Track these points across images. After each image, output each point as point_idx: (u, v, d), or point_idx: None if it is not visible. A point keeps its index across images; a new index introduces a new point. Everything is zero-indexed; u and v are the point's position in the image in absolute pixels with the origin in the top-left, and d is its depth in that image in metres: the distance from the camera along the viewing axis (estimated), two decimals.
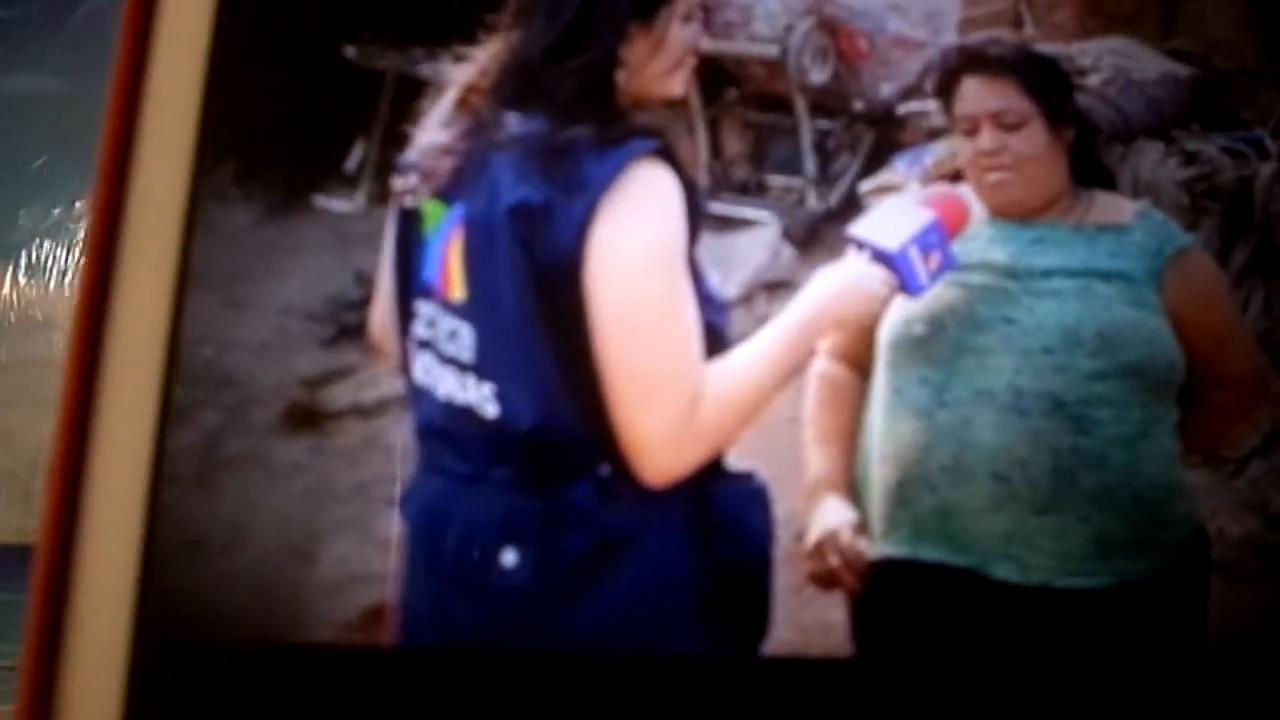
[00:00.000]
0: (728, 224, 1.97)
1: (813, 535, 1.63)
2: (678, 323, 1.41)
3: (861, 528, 1.63)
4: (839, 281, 1.57)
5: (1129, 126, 1.95)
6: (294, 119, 1.68)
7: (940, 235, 1.60)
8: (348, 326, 1.66)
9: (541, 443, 1.41)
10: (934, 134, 1.96)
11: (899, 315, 1.64)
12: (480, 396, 1.43)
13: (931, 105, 1.96)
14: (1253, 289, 1.79)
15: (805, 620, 1.56)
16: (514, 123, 1.44)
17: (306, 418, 1.64)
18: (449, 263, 1.45)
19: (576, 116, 1.42)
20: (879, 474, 1.64)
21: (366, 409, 1.70)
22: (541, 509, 1.41)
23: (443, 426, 1.46)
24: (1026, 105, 1.66)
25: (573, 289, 1.39)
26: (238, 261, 1.60)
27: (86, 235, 1.52)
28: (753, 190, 2.11)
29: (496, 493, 1.42)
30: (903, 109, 2.10)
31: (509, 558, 1.41)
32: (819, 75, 2.10)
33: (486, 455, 1.43)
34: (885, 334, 1.66)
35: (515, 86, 1.45)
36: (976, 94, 1.68)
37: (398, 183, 1.51)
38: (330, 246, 1.72)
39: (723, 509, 1.46)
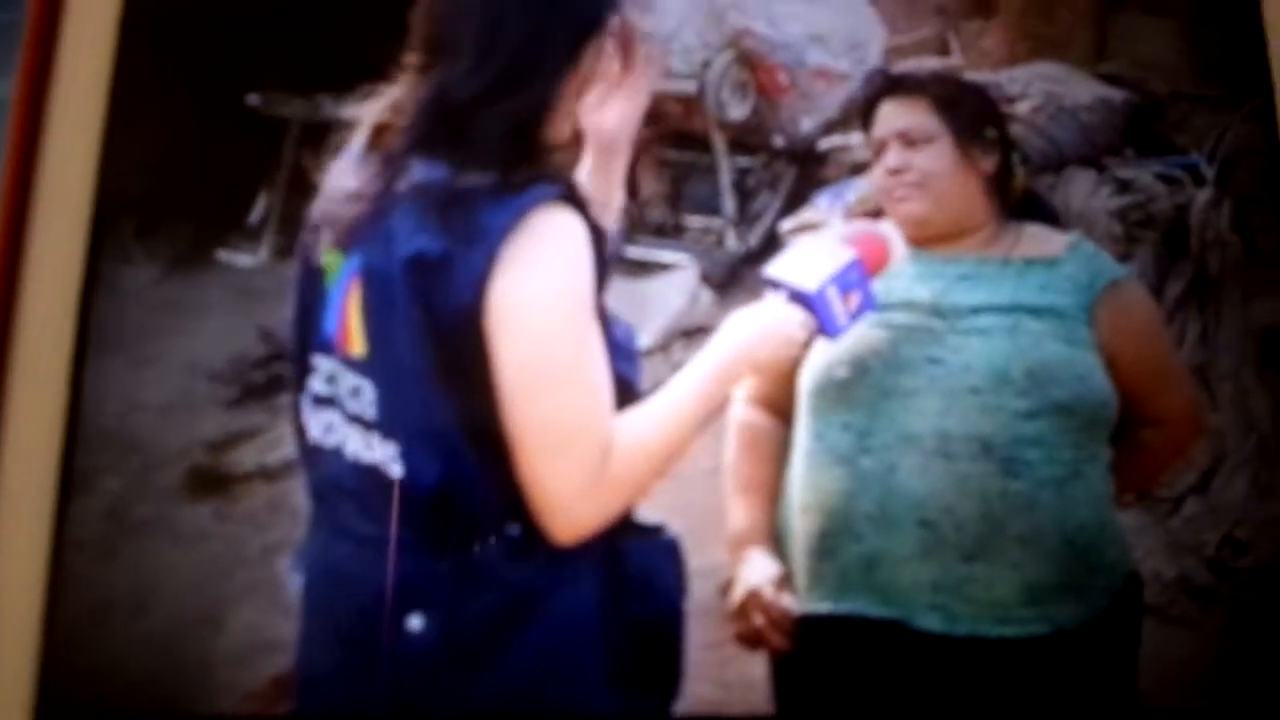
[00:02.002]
0: (643, 268, 1.99)
1: (736, 594, 1.64)
2: (585, 374, 1.42)
3: (786, 582, 1.64)
4: (755, 325, 1.57)
5: (1061, 155, 1.98)
6: (196, 171, 1.71)
7: (860, 274, 1.61)
8: (252, 386, 1.69)
9: (447, 503, 1.42)
10: (857, 169, 2.00)
11: (820, 359, 1.66)
12: (385, 455, 1.43)
13: (854, 139, 2.03)
14: (1188, 320, 1.83)
15: (726, 677, 1.58)
16: (416, 169, 1.44)
17: (211, 481, 1.66)
18: (348, 316, 1.45)
19: (495, 159, 1.42)
20: (801, 524, 1.66)
21: (272, 471, 1.71)
22: (448, 571, 1.43)
23: (350, 486, 1.46)
24: (934, 123, 1.70)
25: (474, 342, 1.39)
26: (140, 320, 1.63)
27: None
28: (670, 232, 2.13)
29: (401, 555, 1.43)
30: (824, 144, 2.12)
31: (414, 622, 1.42)
32: (737, 111, 2.12)
33: (390, 516, 1.44)
34: (806, 378, 1.68)
35: (430, 128, 1.45)
36: (889, 116, 1.72)
37: (307, 235, 1.51)
38: (234, 303, 1.74)
39: (633, 565, 1.48)
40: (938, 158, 1.70)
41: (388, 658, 1.43)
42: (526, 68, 1.44)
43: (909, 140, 1.70)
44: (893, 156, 1.71)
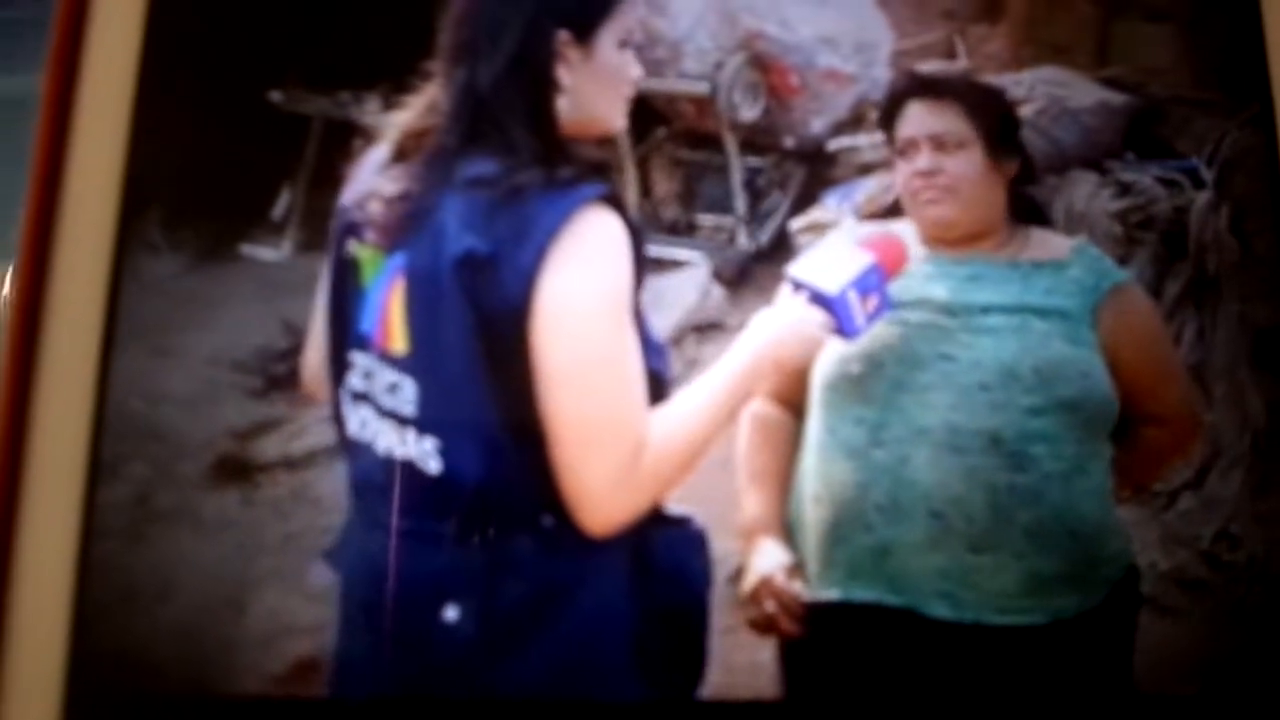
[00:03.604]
0: (658, 265, 2.00)
1: (749, 581, 1.68)
2: (623, 373, 1.46)
3: (797, 569, 1.68)
4: (778, 325, 1.62)
5: (1063, 157, 2.02)
6: (220, 165, 1.73)
7: (879, 278, 1.66)
8: (276, 377, 1.71)
9: (485, 496, 1.46)
10: (865, 169, 2.04)
11: (834, 355, 1.70)
12: (422, 451, 1.46)
13: (862, 140, 2.08)
14: (1185, 320, 1.87)
15: (735, 662, 1.61)
16: (463, 167, 1.47)
17: (236, 470, 1.69)
18: (389, 314, 1.48)
19: (526, 150, 1.46)
20: (813, 514, 1.70)
21: (295, 460, 1.74)
22: (484, 563, 1.46)
23: (382, 481, 1.49)
24: (967, 130, 1.74)
25: (520, 339, 1.43)
26: (165, 312, 1.65)
27: (13, 287, 1.57)
28: (682, 230, 2.17)
29: (438, 548, 1.46)
30: (833, 144, 2.14)
31: (450, 613, 1.45)
32: (749, 112, 2.15)
33: (427, 510, 1.47)
34: (820, 373, 1.72)
35: (465, 127, 1.48)
36: (919, 117, 1.75)
37: (336, 230, 1.54)
38: (257, 296, 1.76)
39: (662, 555, 1.51)
40: (969, 163, 1.74)
41: (423, 647, 1.46)
42: (529, 49, 1.48)
43: (941, 144, 1.74)
44: (924, 159, 1.74)
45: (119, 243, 1.59)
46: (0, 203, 1.70)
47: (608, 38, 1.53)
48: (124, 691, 1.52)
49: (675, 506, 1.53)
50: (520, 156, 1.46)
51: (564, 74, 1.50)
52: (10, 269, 1.57)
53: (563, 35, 1.50)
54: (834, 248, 1.74)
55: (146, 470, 1.61)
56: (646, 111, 2.14)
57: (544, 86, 1.49)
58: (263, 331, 1.72)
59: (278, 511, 1.68)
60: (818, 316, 1.64)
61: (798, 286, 1.66)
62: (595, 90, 1.53)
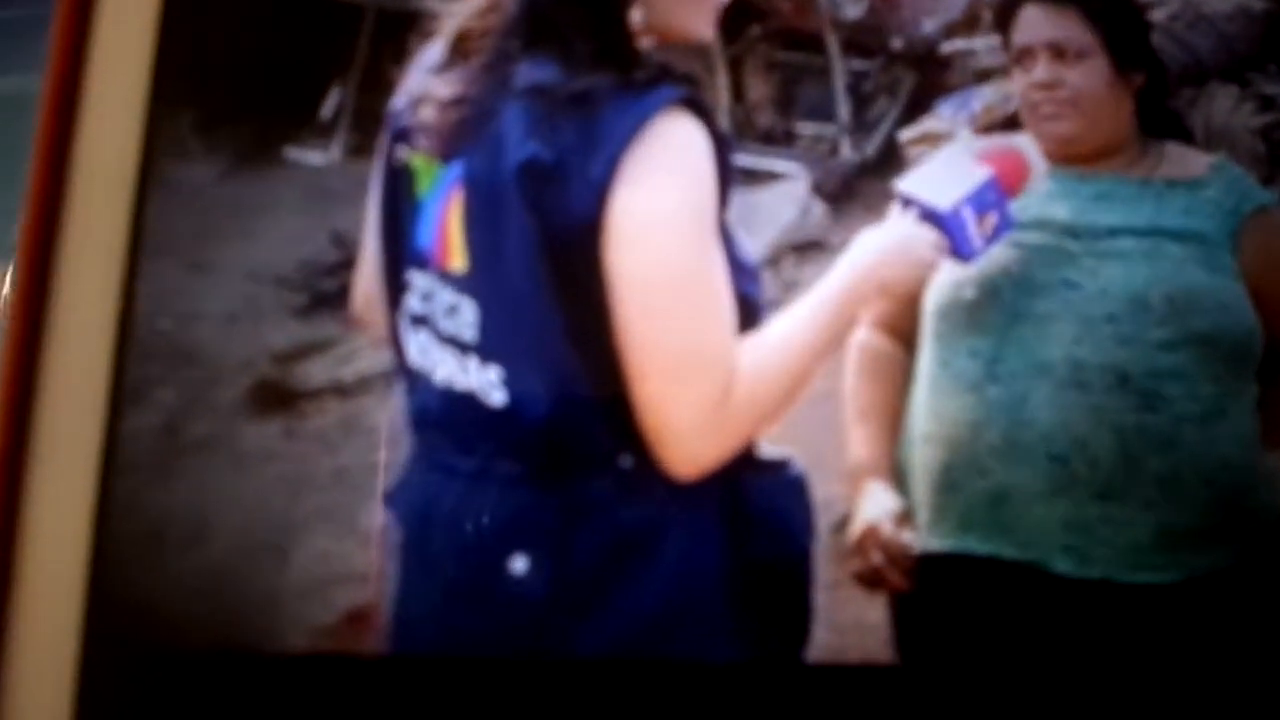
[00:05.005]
0: (752, 177, 1.92)
1: (854, 529, 1.59)
2: (709, 296, 1.36)
3: (906, 517, 1.59)
4: (884, 244, 1.53)
5: (1200, 67, 1.90)
6: (261, 60, 1.63)
7: (997, 194, 1.57)
8: (324, 294, 1.63)
9: (555, 433, 1.36)
10: (983, 76, 1.94)
11: (947, 279, 1.61)
12: (484, 381, 1.37)
13: (979, 44, 1.96)
14: None
15: (841, 620, 1.52)
16: (525, 71, 1.38)
17: (278, 397, 1.62)
18: (448, 228, 1.39)
19: (592, 59, 1.37)
20: (924, 456, 1.61)
21: (346, 387, 1.67)
22: (555, 508, 1.37)
23: (440, 415, 1.41)
24: (1089, 37, 1.62)
25: (591, 258, 1.34)
26: (199, 222, 1.56)
27: (27, 192, 1.46)
28: (779, 139, 2.07)
29: (503, 490, 1.37)
30: (947, 47, 2.04)
31: (519, 565, 1.36)
32: (853, 9, 2.05)
33: (491, 448, 1.38)
34: (932, 300, 1.62)
35: (526, 29, 1.39)
36: (1036, 22, 1.64)
37: (388, 136, 1.46)
38: (304, 204, 1.69)
39: (757, 502, 1.41)
40: (1092, 74, 1.63)
41: (488, 602, 1.37)
42: None
43: (1060, 53, 1.63)
44: (1042, 69, 1.63)
45: (146, 145, 1.49)
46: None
47: None
48: (148, 648, 1.41)
49: (771, 447, 1.43)
50: (585, 64, 1.37)
51: None
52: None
53: None
54: (948, 161, 1.65)
55: (176, 397, 1.53)
56: (739, 6, 2.04)
57: None
58: (309, 243, 1.63)
59: (326, 444, 1.61)
60: (929, 235, 1.55)
61: (907, 203, 1.57)
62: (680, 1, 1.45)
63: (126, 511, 1.43)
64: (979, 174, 1.58)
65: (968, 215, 1.56)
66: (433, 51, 1.46)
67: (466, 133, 1.39)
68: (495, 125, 1.37)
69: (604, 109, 1.35)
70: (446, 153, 1.40)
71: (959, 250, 1.56)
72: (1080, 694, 1.43)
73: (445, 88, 1.41)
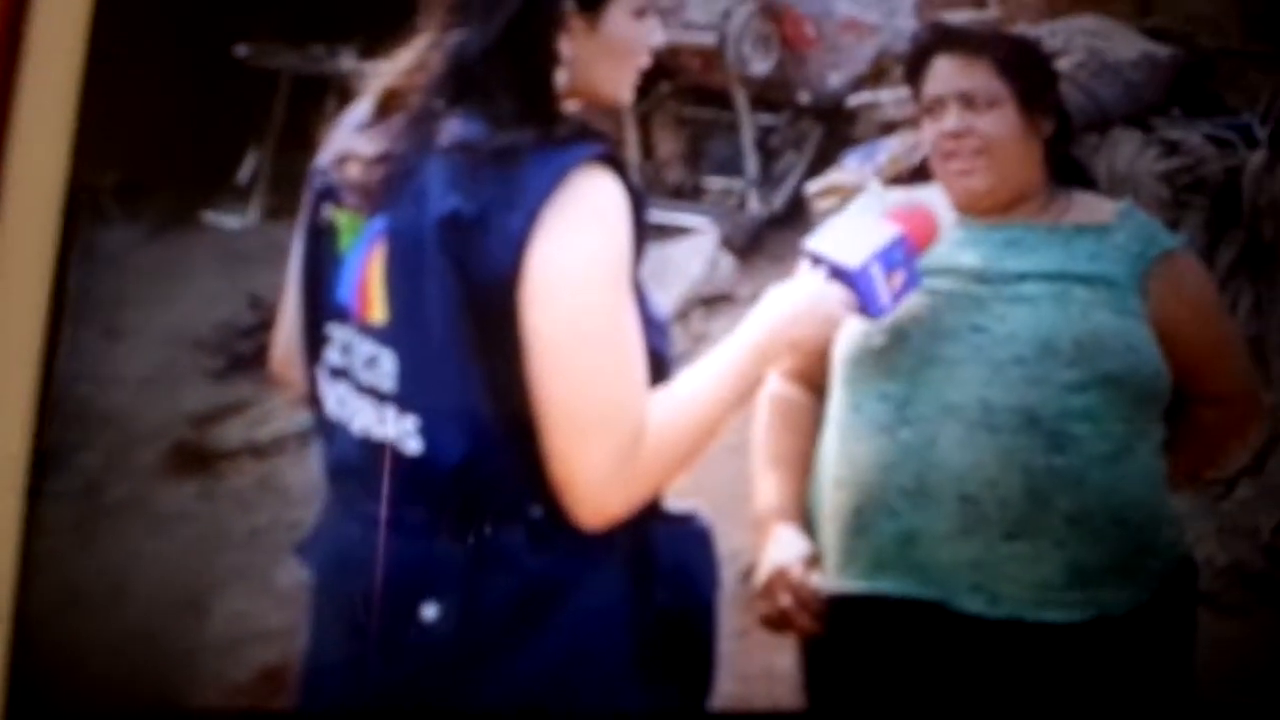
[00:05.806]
0: (661, 232, 1.92)
1: (761, 573, 1.58)
2: (621, 351, 1.35)
3: (816, 561, 1.58)
4: (795, 302, 1.51)
5: (1104, 114, 1.92)
6: (181, 126, 1.64)
7: (905, 252, 1.55)
8: (240, 356, 1.62)
9: (468, 481, 1.35)
10: (888, 128, 1.93)
11: (857, 327, 1.60)
12: (401, 430, 1.36)
13: (885, 96, 1.97)
14: (1240, 289, 1.77)
15: (748, 668, 1.53)
16: (450, 127, 1.37)
17: (195, 459, 1.61)
18: (368, 281, 1.38)
19: (517, 117, 1.36)
20: (834, 500, 1.59)
21: (261, 447, 1.66)
22: (466, 556, 1.35)
23: (357, 464, 1.40)
24: (999, 87, 1.63)
25: (508, 310, 1.33)
26: (119, 287, 1.55)
27: None
28: (688, 194, 2.08)
29: (415, 538, 1.36)
30: (853, 100, 2.05)
31: (429, 611, 1.35)
32: (761, 65, 2.05)
33: (405, 496, 1.37)
34: (841, 347, 1.62)
35: (452, 87, 1.38)
36: (947, 74, 1.65)
37: (312, 194, 1.45)
38: (221, 267, 1.69)
39: (663, 553, 1.40)
40: (1002, 122, 1.63)
41: (399, 649, 1.36)
42: (530, 19, 1.37)
43: (971, 102, 1.63)
44: (953, 119, 1.63)
45: (67, 212, 1.50)
46: None
47: (620, 6, 1.43)
48: (69, 705, 1.41)
49: (678, 501, 1.43)
50: (509, 121, 1.36)
51: (565, 45, 1.39)
52: None
53: (568, 4, 1.40)
54: (857, 218, 1.65)
55: (96, 459, 1.53)
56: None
57: (540, 58, 1.39)
58: (226, 305, 1.65)
59: (242, 503, 1.61)
60: (839, 293, 1.53)
61: (816, 260, 1.55)
62: (601, 62, 1.43)
63: (47, 573, 1.43)
64: (888, 231, 1.56)
65: (876, 273, 1.53)
66: (358, 110, 1.45)
67: (391, 188, 1.38)
68: (419, 180, 1.37)
69: (525, 164, 1.34)
70: (371, 208, 1.39)
71: (868, 308, 1.54)
72: None
73: (370, 145, 1.40)
